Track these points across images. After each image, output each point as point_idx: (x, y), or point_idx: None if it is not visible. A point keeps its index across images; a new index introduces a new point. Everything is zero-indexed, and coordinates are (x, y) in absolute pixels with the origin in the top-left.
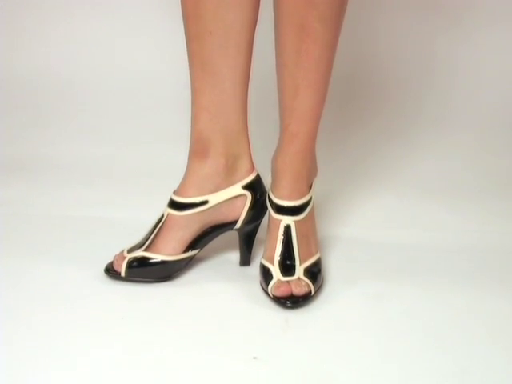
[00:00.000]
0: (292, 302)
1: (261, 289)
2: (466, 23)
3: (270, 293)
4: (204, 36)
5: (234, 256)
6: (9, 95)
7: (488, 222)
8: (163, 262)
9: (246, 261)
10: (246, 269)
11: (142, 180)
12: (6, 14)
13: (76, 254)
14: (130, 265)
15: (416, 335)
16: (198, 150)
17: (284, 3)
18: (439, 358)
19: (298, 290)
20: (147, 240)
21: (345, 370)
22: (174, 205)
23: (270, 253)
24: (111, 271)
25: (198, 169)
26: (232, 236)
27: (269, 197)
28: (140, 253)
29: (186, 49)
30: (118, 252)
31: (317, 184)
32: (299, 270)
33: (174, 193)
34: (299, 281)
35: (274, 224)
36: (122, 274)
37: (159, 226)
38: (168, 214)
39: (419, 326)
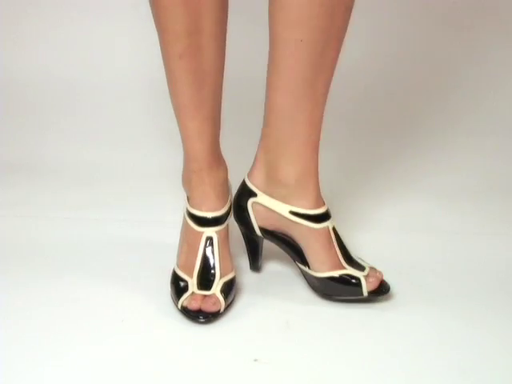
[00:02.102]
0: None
1: (261, 290)
2: (469, 25)
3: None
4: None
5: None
6: (7, 97)
7: (491, 225)
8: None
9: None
10: (244, 271)
11: (141, 182)
12: (5, 16)
13: (74, 255)
14: (225, 295)
15: (417, 337)
16: (214, 160)
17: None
18: (440, 359)
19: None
20: (213, 269)
21: (345, 372)
22: (216, 222)
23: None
24: (203, 317)
25: (216, 178)
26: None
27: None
28: (223, 280)
29: None
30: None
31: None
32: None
33: (202, 210)
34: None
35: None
36: (222, 309)
37: (215, 249)
38: (216, 233)
39: (420, 327)
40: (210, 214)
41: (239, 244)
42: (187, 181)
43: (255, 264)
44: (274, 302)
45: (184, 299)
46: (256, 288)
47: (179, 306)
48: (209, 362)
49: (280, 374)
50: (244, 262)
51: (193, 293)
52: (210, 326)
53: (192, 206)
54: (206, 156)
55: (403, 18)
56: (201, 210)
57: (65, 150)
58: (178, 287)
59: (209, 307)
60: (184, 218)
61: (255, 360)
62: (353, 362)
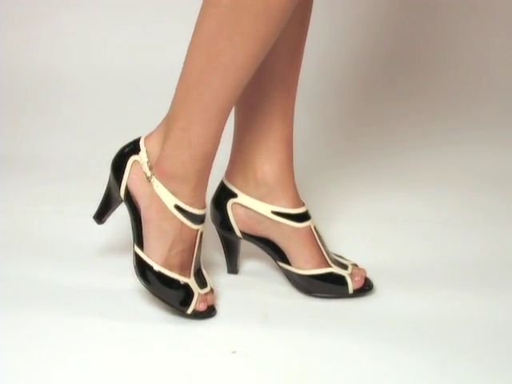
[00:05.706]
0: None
1: (239, 284)
2: (459, 19)
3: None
4: None
5: (210, 252)
6: None
7: (471, 216)
8: None
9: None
10: (223, 265)
11: None
12: None
13: (64, 249)
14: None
15: (396, 328)
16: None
17: None
18: (419, 351)
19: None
20: (200, 264)
21: (323, 364)
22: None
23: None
24: (213, 311)
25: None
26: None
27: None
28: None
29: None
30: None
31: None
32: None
33: (199, 208)
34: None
35: None
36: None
37: (201, 244)
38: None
39: (400, 319)
40: (204, 211)
41: (216, 241)
42: (189, 180)
43: (233, 266)
44: (253, 294)
45: (194, 304)
46: (234, 282)
47: (189, 312)
48: (187, 354)
49: (258, 366)
50: (222, 256)
51: (198, 294)
52: (187, 318)
53: (190, 205)
54: (215, 151)
55: (392, 13)
56: (198, 207)
57: (53, 144)
58: (181, 293)
59: (212, 301)
60: (172, 216)
61: (233, 352)
62: (331, 354)
